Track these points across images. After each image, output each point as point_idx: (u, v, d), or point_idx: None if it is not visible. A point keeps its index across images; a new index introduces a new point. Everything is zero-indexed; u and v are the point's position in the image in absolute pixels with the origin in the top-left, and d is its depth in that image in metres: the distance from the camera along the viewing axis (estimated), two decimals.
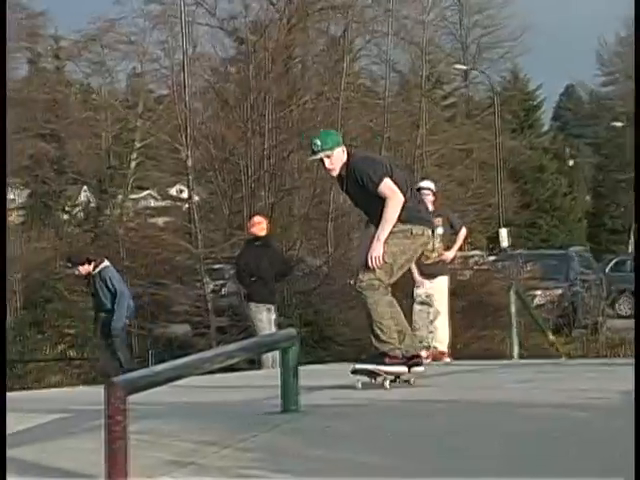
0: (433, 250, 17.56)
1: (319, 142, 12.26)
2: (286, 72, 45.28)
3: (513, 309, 20.55)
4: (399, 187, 11.74)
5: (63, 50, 62.70)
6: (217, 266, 34.08)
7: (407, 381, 11.83)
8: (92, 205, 57.64)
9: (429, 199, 17.88)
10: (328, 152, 12.08)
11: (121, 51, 58.51)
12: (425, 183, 19.30)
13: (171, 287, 34.53)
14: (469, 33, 66.30)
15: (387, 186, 11.67)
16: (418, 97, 56.24)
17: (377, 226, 11.90)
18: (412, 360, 11.84)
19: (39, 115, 58.54)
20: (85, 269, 21.40)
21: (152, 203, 54.28)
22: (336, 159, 12.12)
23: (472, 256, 36.87)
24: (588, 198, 72.26)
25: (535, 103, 77.94)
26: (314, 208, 40.86)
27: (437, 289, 17.77)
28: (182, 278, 35.49)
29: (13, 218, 58.57)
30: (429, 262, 17.61)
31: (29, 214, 59.31)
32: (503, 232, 46.13)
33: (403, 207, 11.73)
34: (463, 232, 18.59)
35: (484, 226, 51.97)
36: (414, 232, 11.76)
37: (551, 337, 21.84)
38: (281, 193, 38.46)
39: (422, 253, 17.39)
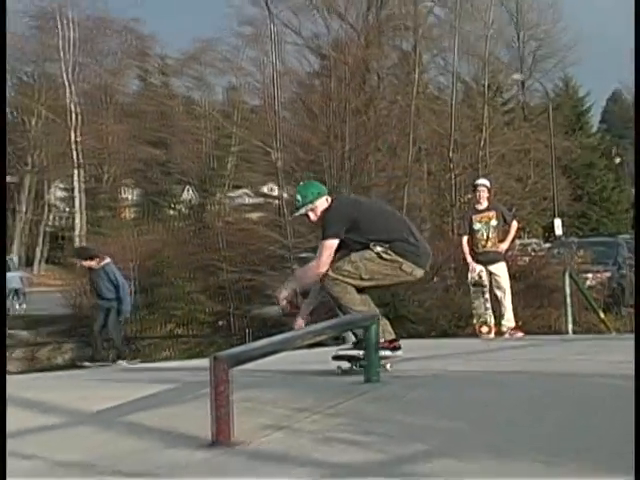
0: (488, 239, 17.61)
1: (300, 197, 11.29)
2: (363, 83, 45.34)
3: (567, 290, 20.47)
4: (371, 232, 10.76)
5: (168, 67, 63.10)
6: (304, 254, 34.05)
7: (384, 366, 10.11)
8: (194, 202, 57.85)
9: (484, 195, 18.02)
10: (310, 205, 11.10)
11: (218, 67, 58.87)
12: (480, 181, 19.51)
13: (264, 273, 34.67)
14: (525, 46, 65.79)
15: (324, 247, 10.72)
16: (481, 104, 56.09)
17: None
18: (392, 344, 10.69)
19: (149, 125, 58.88)
20: (88, 263, 22.34)
21: (247, 200, 54.39)
22: (320, 210, 11.09)
23: (529, 244, 36.74)
24: (633, 191, 71.58)
25: (584, 108, 77.57)
26: (390, 203, 40.74)
27: (499, 273, 17.69)
28: (274, 265, 35.60)
29: (127, 214, 58.89)
30: (486, 250, 17.63)
31: (141, 210, 59.62)
32: (557, 222, 45.68)
33: (397, 240, 10.84)
34: (515, 225, 18.56)
35: (540, 217, 51.73)
36: (403, 267, 10.74)
37: (602, 315, 21.67)
38: (360, 190, 38.40)
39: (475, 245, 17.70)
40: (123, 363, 20.60)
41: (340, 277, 10.59)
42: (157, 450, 6.32)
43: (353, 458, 5.74)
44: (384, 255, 10.63)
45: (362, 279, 10.63)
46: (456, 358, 12.26)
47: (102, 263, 21.62)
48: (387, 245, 10.64)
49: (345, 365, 9.95)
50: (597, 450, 5.85)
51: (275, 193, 45.89)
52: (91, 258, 22.05)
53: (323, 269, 10.56)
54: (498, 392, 8.74)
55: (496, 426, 6.87)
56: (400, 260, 10.72)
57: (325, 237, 10.66)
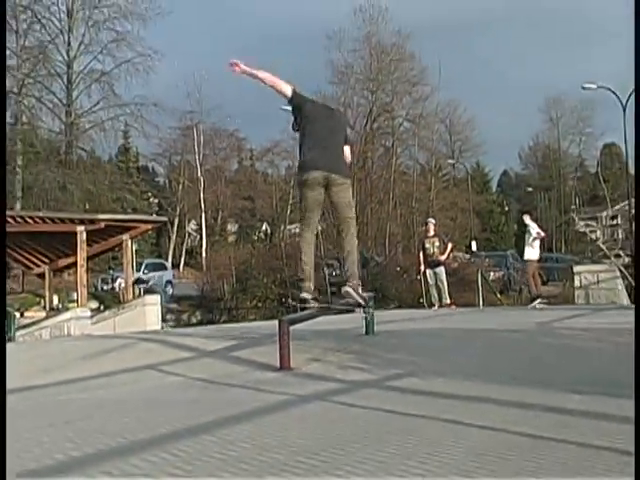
0: (434, 253, 17.56)
1: None
2: (363, 165, 45.25)
3: (479, 282, 20.43)
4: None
5: (254, 156, 63.44)
6: (330, 262, 34.06)
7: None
8: (269, 232, 57.96)
9: (431, 227, 18.09)
10: None
11: (281, 156, 59.20)
12: (430, 219, 19.55)
13: None
14: (455, 143, 65.65)
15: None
16: (429, 177, 56.05)
17: None
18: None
19: (242, 188, 59.19)
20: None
21: (298, 230, 54.45)
22: None
23: (457, 255, 36.56)
24: (515, 226, 71.29)
25: (488, 178, 77.46)
26: (379, 233, 40.84)
27: (440, 272, 17.60)
28: (314, 269, 35.65)
29: (230, 239, 59.15)
30: (433, 259, 17.59)
31: (238, 236, 59.81)
32: (473, 243, 45.48)
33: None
34: (450, 245, 18.52)
35: (463, 240, 51.41)
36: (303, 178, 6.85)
37: (498, 295, 21.57)
38: (362, 226, 38.43)
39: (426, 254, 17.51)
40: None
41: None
42: (249, 372, 6.30)
43: (358, 377, 5.70)
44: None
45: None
46: (417, 321, 12.15)
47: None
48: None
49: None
50: (504, 363, 5.80)
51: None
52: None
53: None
54: (442, 339, 8.65)
55: (441, 359, 6.80)
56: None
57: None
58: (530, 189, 72.59)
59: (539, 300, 16.33)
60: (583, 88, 41.30)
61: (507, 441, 3.40)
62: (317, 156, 6.76)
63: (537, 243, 16.38)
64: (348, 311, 8.10)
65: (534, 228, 16.50)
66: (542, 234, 16.66)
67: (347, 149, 7.13)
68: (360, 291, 7.26)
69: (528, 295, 18.24)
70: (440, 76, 52.01)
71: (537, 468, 2.89)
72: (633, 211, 44.82)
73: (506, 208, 76.17)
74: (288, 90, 6.94)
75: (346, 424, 4.00)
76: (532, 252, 16.38)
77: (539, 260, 17.04)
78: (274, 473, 2.90)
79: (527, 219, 16.90)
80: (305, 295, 7.12)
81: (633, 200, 48.24)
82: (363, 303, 7.31)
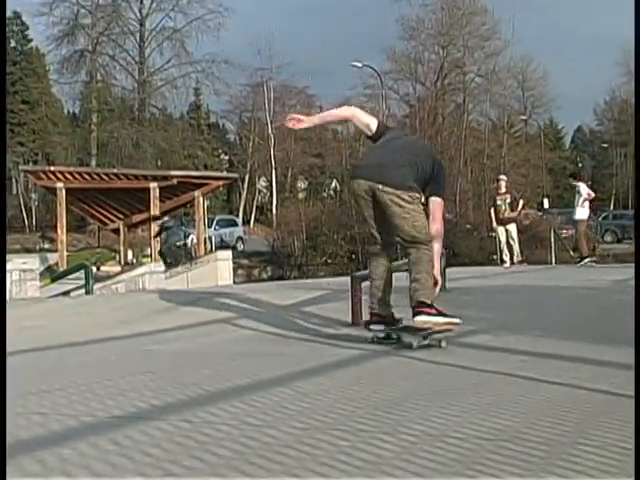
0: (505, 210, 17.30)
1: None
2: (434, 121, 44.76)
3: (552, 239, 20.16)
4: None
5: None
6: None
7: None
8: (338, 189, 57.87)
9: (502, 184, 17.82)
10: None
11: None
12: (501, 176, 19.32)
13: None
14: (527, 99, 64.11)
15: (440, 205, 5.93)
16: (501, 133, 55.18)
17: None
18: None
19: (313, 145, 59.19)
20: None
21: None
22: None
23: (530, 213, 36.09)
24: (589, 182, 69.85)
25: (561, 135, 75.79)
26: (450, 188, 40.64)
27: (511, 230, 17.36)
28: None
29: (300, 195, 59.36)
30: (504, 216, 17.32)
31: (307, 193, 59.92)
32: (545, 200, 44.71)
33: None
34: (521, 202, 18.26)
35: (535, 197, 50.60)
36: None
37: (571, 253, 21.20)
38: None
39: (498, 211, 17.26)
40: None
41: None
42: (321, 327, 6.36)
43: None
44: None
45: None
46: (487, 278, 12.06)
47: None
48: None
49: (381, 334, 5.42)
50: (579, 320, 5.74)
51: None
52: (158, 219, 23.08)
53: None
54: (514, 296, 8.60)
55: (514, 316, 6.76)
56: None
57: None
58: (605, 145, 70.86)
59: (588, 259, 16.20)
60: None
61: (580, 397, 3.38)
62: (368, 164, 5.56)
63: (587, 204, 16.50)
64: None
65: (584, 189, 16.45)
66: (592, 194, 16.80)
67: (434, 201, 5.45)
68: (438, 309, 5.17)
69: (573, 254, 17.92)
70: (513, 30, 50.88)
71: (607, 425, 2.88)
72: None
73: (580, 164, 74.56)
74: (373, 122, 5.56)
75: (420, 379, 4.03)
76: (582, 212, 16.53)
77: (588, 219, 17.37)
78: (349, 425, 2.95)
79: (575, 181, 17.16)
80: (375, 327, 5.38)
81: None
82: (455, 321, 5.16)
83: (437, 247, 5.38)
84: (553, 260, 19.67)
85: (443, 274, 8.83)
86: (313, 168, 61.54)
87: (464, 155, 46.75)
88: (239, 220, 49.11)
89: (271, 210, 53.80)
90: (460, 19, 52.03)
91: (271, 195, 57.82)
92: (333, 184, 61.70)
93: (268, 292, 9.80)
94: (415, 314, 5.09)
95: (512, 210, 17.60)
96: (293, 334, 6.00)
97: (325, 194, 60.31)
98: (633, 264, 17.24)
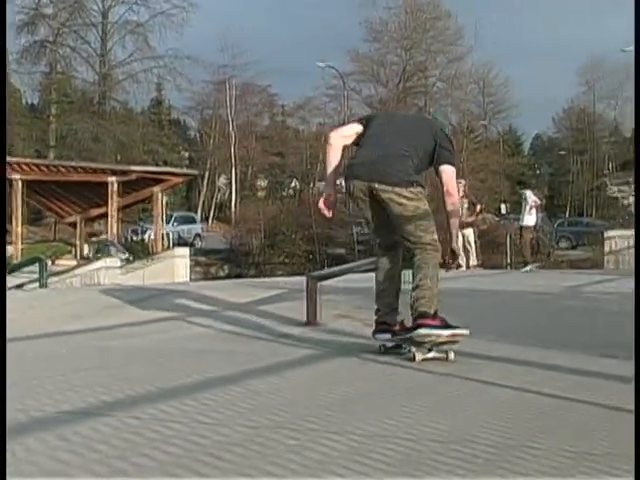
0: (462, 215, 17.41)
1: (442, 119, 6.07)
2: None
3: (508, 244, 20.37)
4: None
5: (285, 112, 63.24)
6: (359, 220, 34.06)
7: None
8: (298, 188, 57.87)
9: (461, 188, 17.87)
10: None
11: (313, 112, 59.03)
12: (460, 180, 19.31)
13: (335, 230, 34.76)
14: (487, 105, 64.57)
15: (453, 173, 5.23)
16: (461, 138, 55.63)
17: None
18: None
19: (273, 144, 59.13)
20: None
21: None
22: None
23: (487, 217, 36.37)
24: (546, 189, 70.57)
25: (520, 141, 76.48)
26: None
27: (468, 234, 17.50)
28: (341, 226, 35.67)
29: (260, 194, 59.25)
30: (461, 220, 17.43)
31: (267, 192, 59.88)
32: (503, 206, 45.20)
33: None
34: (479, 207, 18.42)
35: (493, 202, 51.01)
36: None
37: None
38: None
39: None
40: None
41: None
42: (276, 326, 6.35)
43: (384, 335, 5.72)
44: None
45: None
46: (445, 281, 12.11)
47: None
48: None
49: (389, 344, 4.87)
50: (531, 325, 5.81)
51: (343, 184, 45.80)
52: None
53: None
54: (469, 300, 8.66)
55: (468, 319, 6.81)
56: None
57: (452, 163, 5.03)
58: (562, 152, 71.73)
59: (530, 266, 16.50)
60: (622, 51, 40.63)
61: (529, 401, 3.43)
62: (362, 161, 4.90)
63: (534, 211, 16.76)
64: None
65: (530, 196, 16.70)
66: (538, 202, 17.10)
67: (444, 170, 4.93)
68: (442, 319, 4.65)
69: (521, 259, 18.19)
70: (476, 36, 51.28)
71: (554, 428, 2.92)
72: None
73: (538, 171, 75.32)
74: (355, 126, 5.04)
75: (374, 380, 4.05)
76: (529, 219, 16.80)
77: (534, 227, 17.63)
78: (300, 424, 2.95)
79: (527, 191, 17.41)
80: (380, 336, 4.90)
81: None
82: (462, 332, 4.64)
83: (455, 224, 5.11)
84: (509, 265, 19.89)
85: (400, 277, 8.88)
86: (274, 167, 61.46)
87: None
88: (198, 217, 48.91)
89: (230, 208, 53.63)
90: (424, 23, 52.33)
91: (231, 193, 57.62)
92: (293, 183, 61.67)
93: (224, 290, 9.77)
94: (416, 327, 4.57)
95: (470, 215, 17.74)
96: (248, 332, 5.99)
97: (285, 193, 60.25)
98: (586, 270, 17.50)
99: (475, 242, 17.97)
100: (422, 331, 4.52)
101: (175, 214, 41.90)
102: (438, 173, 4.98)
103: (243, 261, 33.86)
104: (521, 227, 17.23)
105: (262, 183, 63.23)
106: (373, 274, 10.10)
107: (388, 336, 4.85)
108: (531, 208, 16.60)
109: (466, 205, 17.65)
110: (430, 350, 4.58)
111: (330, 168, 5.10)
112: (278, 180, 62.87)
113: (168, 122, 61.34)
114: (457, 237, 5.08)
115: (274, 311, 7.21)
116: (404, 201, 4.68)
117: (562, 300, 8.15)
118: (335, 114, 53.99)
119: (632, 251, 17.98)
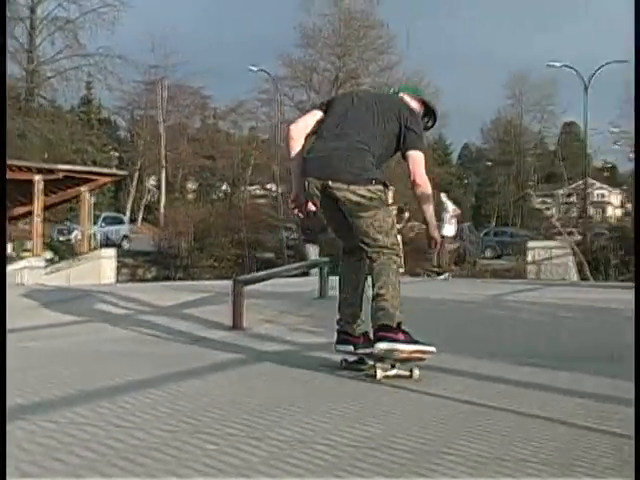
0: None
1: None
2: None
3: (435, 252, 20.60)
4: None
5: (217, 115, 62.92)
6: (288, 225, 34.14)
7: None
8: (228, 192, 57.63)
9: (390, 196, 17.97)
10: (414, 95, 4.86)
11: (246, 116, 59.00)
12: (390, 187, 19.44)
13: (264, 234, 34.82)
14: None
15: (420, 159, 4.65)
16: None
17: None
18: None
19: (204, 147, 58.76)
20: None
21: (258, 192, 54.19)
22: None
23: (413, 225, 36.77)
24: (473, 199, 71.61)
25: (449, 151, 77.47)
26: None
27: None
28: (270, 230, 35.74)
29: (190, 196, 58.79)
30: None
31: (197, 195, 59.48)
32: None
33: None
34: (407, 215, 18.61)
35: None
36: None
37: (452, 267, 21.72)
38: None
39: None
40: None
41: None
42: (201, 330, 6.31)
43: (310, 340, 5.75)
44: None
45: None
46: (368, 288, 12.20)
47: None
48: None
49: (351, 358, 4.44)
50: (453, 333, 5.88)
51: (274, 189, 45.90)
52: None
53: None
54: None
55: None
56: None
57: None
58: (489, 163, 72.96)
59: (445, 275, 16.78)
60: (548, 65, 41.64)
61: (447, 408, 3.47)
62: (316, 155, 4.38)
63: (454, 220, 16.90)
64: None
65: (450, 205, 16.83)
66: (458, 211, 17.22)
67: (410, 157, 4.48)
68: (406, 333, 4.19)
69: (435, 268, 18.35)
70: (408, 46, 51.89)
71: (472, 434, 2.96)
72: (588, 190, 45.38)
73: (465, 181, 76.47)
74: (315, 113, 4.55)
75: (295, 385, 4.04)
76: (449, 229, 16.95)
77: (454, 237, 17.73)
78: (219, 429, 2.94)
79: (444, 197, 17.31)
80: (341, 347, 4.46)
81: (589, 179, 48.84)
82: (428, 349, 4.21)
83: (429, 213, 4.55)
84: (436, 273, 20.10)
85: (326, 283, 8.91)
86: (204, 170, 61.07)
87: None
88: (126, 218, 48.26)
89: (159, 210, 53.08)
90: (357, 31, 52.64)
91: (160, 195, 57.05)
92: (224, 187, 61.39)
93: (150, 292, 9.67)
94: (377, 339, 4.12)
95: (398, 221, 17.91)
96: (171, 336, 5.94)
97: (215, 196, 59.93)
98: (510, 280, 17.82)
99: (403, 249, 18.16)
100: (383, 345, 4.08)
101: (103, 214, 41.29)
102: (405, 159, 4.52)
103: (171, 264, 33.51)
104: (442, 237, 17.39)
105: (192, 186, 62.82)
106: (300, 279, 10.14)
107: (350, 348, 4.41)
108: (451, 217, 16.73)
109: (395, 212, 17.85)
110: (393, 367, 4.19)
111: (293, 164, 4.54)
112: (208, 183, 62.53)
113: (98, 121, 60.44)
114: (434, 224, 4.57)
115: (199, 314, 7.18)
116: (361, 200, 4.22)
117: (484, 308, 8.28)
118: (267, 119, 54.08)
119: (553, 261, 18.46)
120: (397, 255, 4.36)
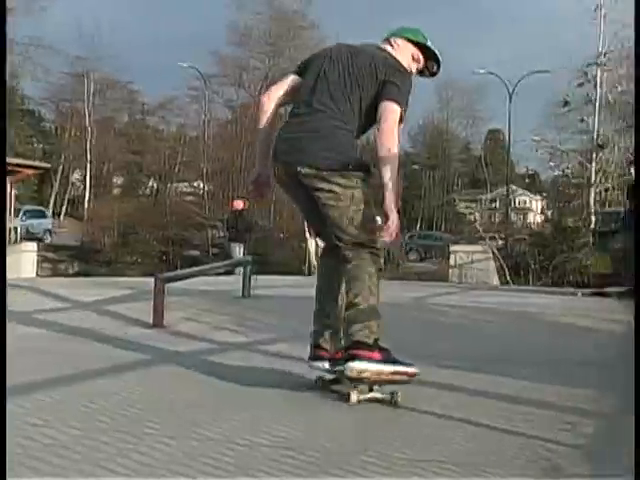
0: None
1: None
2: (256, 129, 45.06)
3: None
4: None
5: (146, 110, 62.24)
6: (215, 223, 33.98)
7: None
8: (155, 188, 57.03)
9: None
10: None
11: (174, 112, 58.52)
12: None
13: (190, 232, 34.60)
14: None
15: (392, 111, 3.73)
16: None
17: None
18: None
19: (132, 141, 58.09)
20: None
21: (185, 189, 53.74)
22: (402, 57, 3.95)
23: None
24: (399, 202, 72.00)
25: None
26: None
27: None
28: (197, 228, 35.55)
29: (115, 191, 57.96)
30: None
31: (123, 191, 58.67)
32: None
33: None
34: None
35: None
36: None
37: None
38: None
39: None
40: None
41: None
42: (121, 327, 6.23)
43: (231, 339, 5.72)
44: None
45: None
46: (297, 287, 12.22)
47: None
48: None
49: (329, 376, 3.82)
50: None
51: (201, 186, 45.63)
52: None
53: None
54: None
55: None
56: None
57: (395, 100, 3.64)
58: (416, 167, 73.70)
59: None
60: (474, 73, 42.36)
61: (364, 410, 3.47)
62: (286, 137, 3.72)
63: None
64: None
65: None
66: (379, 221, 17.53)
67: (382, 107, 3.60)
68: (383, 351, 3.58)
69: None
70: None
71: (389, 436, 2.98)
72: (511, 196, 46.21)
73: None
74: (290, 78, 3.89)
75: (214, 384, 4.00)
76: None
77: None
78: (134, 427, 2.89)
79: None
80: (317, 364, 3.80)
81: (512, 186, 49.76)
82: (408, 371, 3.61)
83: (388, 176, 3.55)
84: None
85: (249, 282, 8.88)
86: (131, 165, 60.28)
87: None
88: (49, 212, 47.31)
89: (84, 204, 52.21)
90: (289, 31, 52.67)
91: (85, 189, 56.11)
92: (150, 183, 60.71)
93: (72, 288, 9.51)
94: (348, 358, 3.50)
95: None
96: (91, 332, 5.82)
97: (142, 192, 59.20)
98: (432, 283, 18.03)
99: None
100: (355, 365, 3.46)
101: (25, 207, 40.40)
102: (377, 113, 3.63)
103: (94, 259, 32.98)
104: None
105: (118, 181, 61.90)
106: (225, 278, 10.06)
107: (326, 365, 3.73)
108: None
109: None
110: (371, 390, 3.60)
111: (259, 138, 3.94)
112: (135, 179, 61.72)
113: (21, 112, 59.11)
114: (393, 197, 3.57)
115: (121, 311, 7.08)
116: (335, 188, 3.55)
117: (407, 311, 8.35)
118: (196, 116, 53.70)
119: (475, 265, 18.75)
120: (376, 253, 3.65)
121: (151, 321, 6.29)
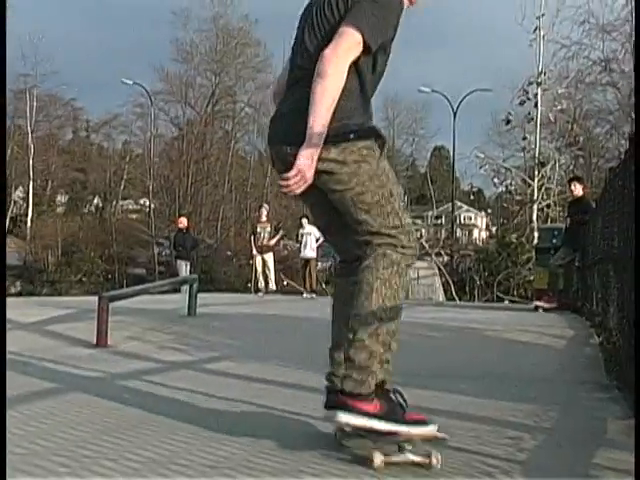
0: (264, 238, 17.65)
1: None
2: (201, 146, 44.97)
3: (307, 271, 20.66)
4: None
5: (90, 127, 61.68)
6: (161, 240, 33.70)
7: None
8: (100, 206, 56.43)
9: (264, 213, 18.11)
10: None
11: (119, 129, 58.01)
12: (264, 205, 19.50)
13: (136, 249, 34.25)
14: None
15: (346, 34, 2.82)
16: (266, 163, 56.25)
17: None
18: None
19: (76, 159, 57.50)
20: None
21: (130, 207, 53.26)
22: None
23: (286, 244, 36.94)
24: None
25: None
26: (213, 214, 40.91)
27: (268, 259, 17.69)
28: (142, 245, 35.21)
29: (59, 210, 57.20)
30: (263, 244, 17.62)
31: (67, 209, 57.95)
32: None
33: None
34: (280, 232, 18.86)
35: (295, 229, 51.86)
36: None
37: (323, 286, 21.94)
38: (197, 205, 38.33)
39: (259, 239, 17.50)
40: None
41: None
42: (63, 347, 6.15)
43: (176, 358, 5.67)
44: None
45: None
46: (241, 306, 12.19)
47: None
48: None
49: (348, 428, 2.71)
50: (319, 350, 5.91)
51: (147, 204, 45.29)
52: None
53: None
54: (263, 324, 8.73)
55: (260, 344, 6.85)
56: None
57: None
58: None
59: (314, 295, 17.16)
60: (419, 91, 42.80)
61: (284, 419, 3.47)
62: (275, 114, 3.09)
63: (318, 243, 17.48)
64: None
65: (316, 232, 17.14)
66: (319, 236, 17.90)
67: (339, 32, 2.80)
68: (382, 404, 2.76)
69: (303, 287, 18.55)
70: (284, 65, 52.18)
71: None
72: (456, 213, 46.74)
73: None
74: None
75: (155, 405, 3.95)
76: (313, 252, 17.66)
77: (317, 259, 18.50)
78: (73, 451, 2.84)
79: (305, 222, 17.78)
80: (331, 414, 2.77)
81: (457, 202, 50.33)
82: (423, 431, 2.78)
83: (320, 88, 2.72)
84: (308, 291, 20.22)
85: (195, 300, 8.81)
86: (75, 183, 59.57)
87: (229, 182, 47.21)
88: None
89: (26, 223, 51.39)
90: (234, 49, 52.68)
91: (27, 207, 55.25)
92: (95, 200, 60.07)
93: (13, 308, 9.32)
94: (335, 405, 2.76)
95: (270, 239, 17.99)
96: (31, 353, 5.72)
97: (86, 210, 58.54)
98: None
99: (275, 267, 18.23)
100: (341, 416, 2.71)
101: None
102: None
103: (37, 278, 32.51)
104: (308, 259, 17.81)
105: (62, 199, 61.10)
106: (170, 296, 9.96)
107: (349, 416, 2.71)
108: (317, 240, 17.22)
109: (268, 229, 17.94)
110: (401, 449, 2.77)
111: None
112: (79, 197, 61.04)
113: None
114: (312, 141, 2.73)
115: (63, 331, 6.98)
116: (333, 167, 2.81)
117: None
118: (141, 133, 53.31)
119: (421, 281, 18.91)
120: (400, 245, 2.83)
121: (94, 341, 6.22)
